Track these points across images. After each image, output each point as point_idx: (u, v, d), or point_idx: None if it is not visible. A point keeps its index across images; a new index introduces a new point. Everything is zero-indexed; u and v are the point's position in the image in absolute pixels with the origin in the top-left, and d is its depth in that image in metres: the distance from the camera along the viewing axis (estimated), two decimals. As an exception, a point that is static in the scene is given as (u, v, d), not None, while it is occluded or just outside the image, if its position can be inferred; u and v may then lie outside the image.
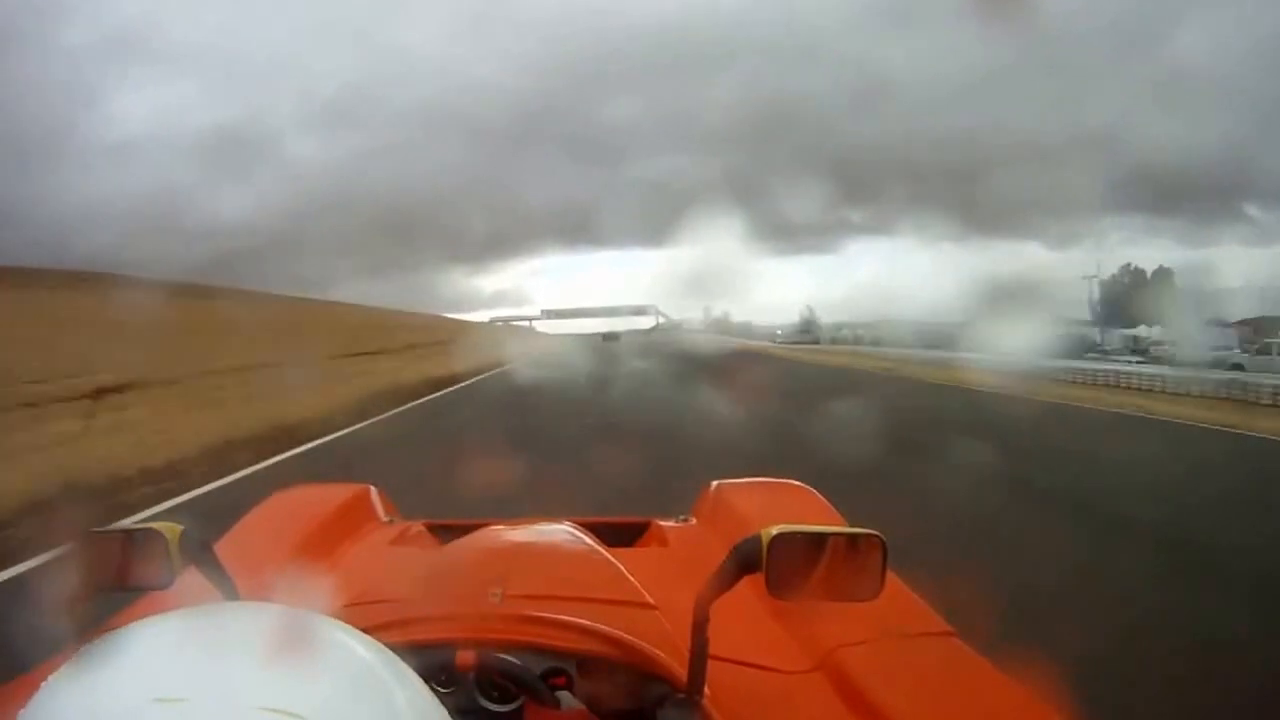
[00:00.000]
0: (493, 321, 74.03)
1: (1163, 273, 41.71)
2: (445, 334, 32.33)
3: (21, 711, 0.38)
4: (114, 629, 0.42)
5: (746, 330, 63.67)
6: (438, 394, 16.12)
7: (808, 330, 58.57)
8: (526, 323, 79.82)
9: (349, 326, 23.02)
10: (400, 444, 8.81)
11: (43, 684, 0.39)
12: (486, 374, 22.52)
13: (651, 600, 0.99)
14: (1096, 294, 37.65)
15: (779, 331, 63.05)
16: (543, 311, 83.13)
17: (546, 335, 66.85)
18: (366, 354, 19.79)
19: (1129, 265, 43.36)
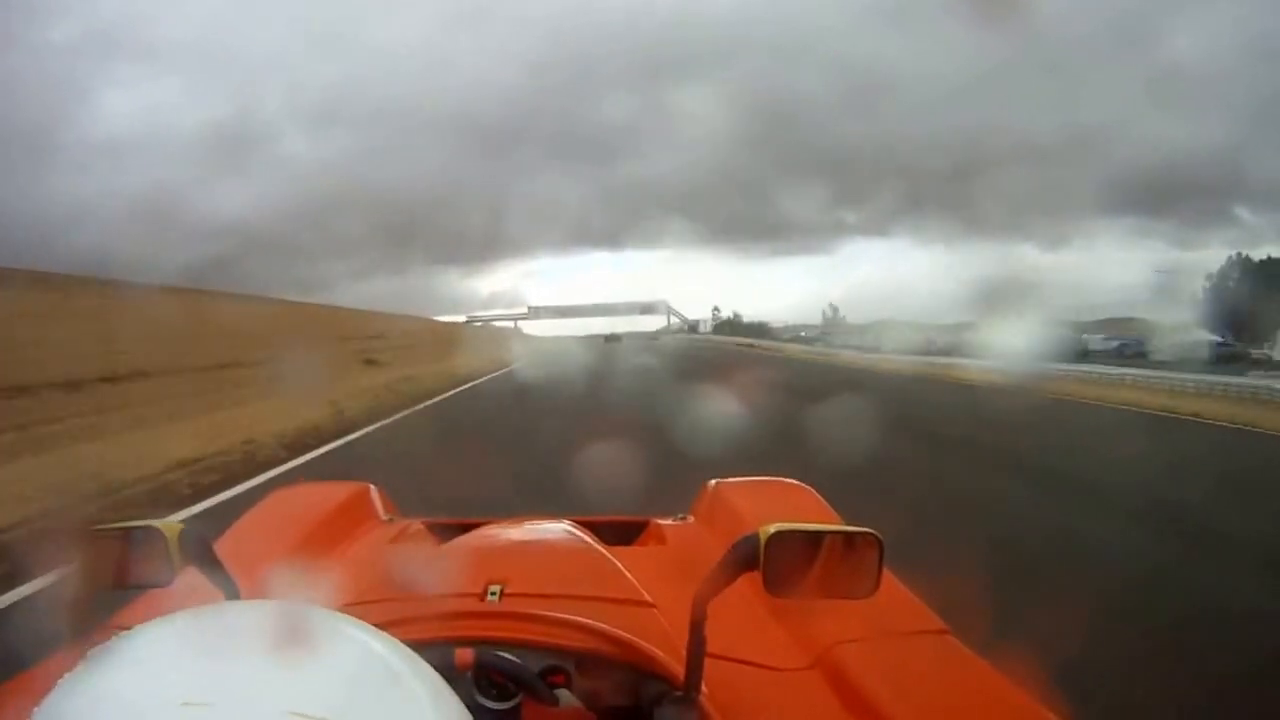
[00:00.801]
0: (470, 321, 63.63)
1: (1275, 264, 34.30)
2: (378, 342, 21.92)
3: (36, 710, 0.38)
4: (120, 628, 0.42)
5: (762, 332, 56.66)
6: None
7: (832, 331, 51.44)
8: (511, 323, 69.12)
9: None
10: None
11: (58, 683, 0.39)
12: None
13: (649, 598, 1.00)
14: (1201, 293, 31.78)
15: (803, 333, 55.70)
16: (529, 309, 72.10)
17: (534, 338, 58.47)
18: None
19: (1239, 255, 36.31)
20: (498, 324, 68.13)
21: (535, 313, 72.60)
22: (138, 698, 0.37)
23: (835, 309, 57.54)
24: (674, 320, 71.38)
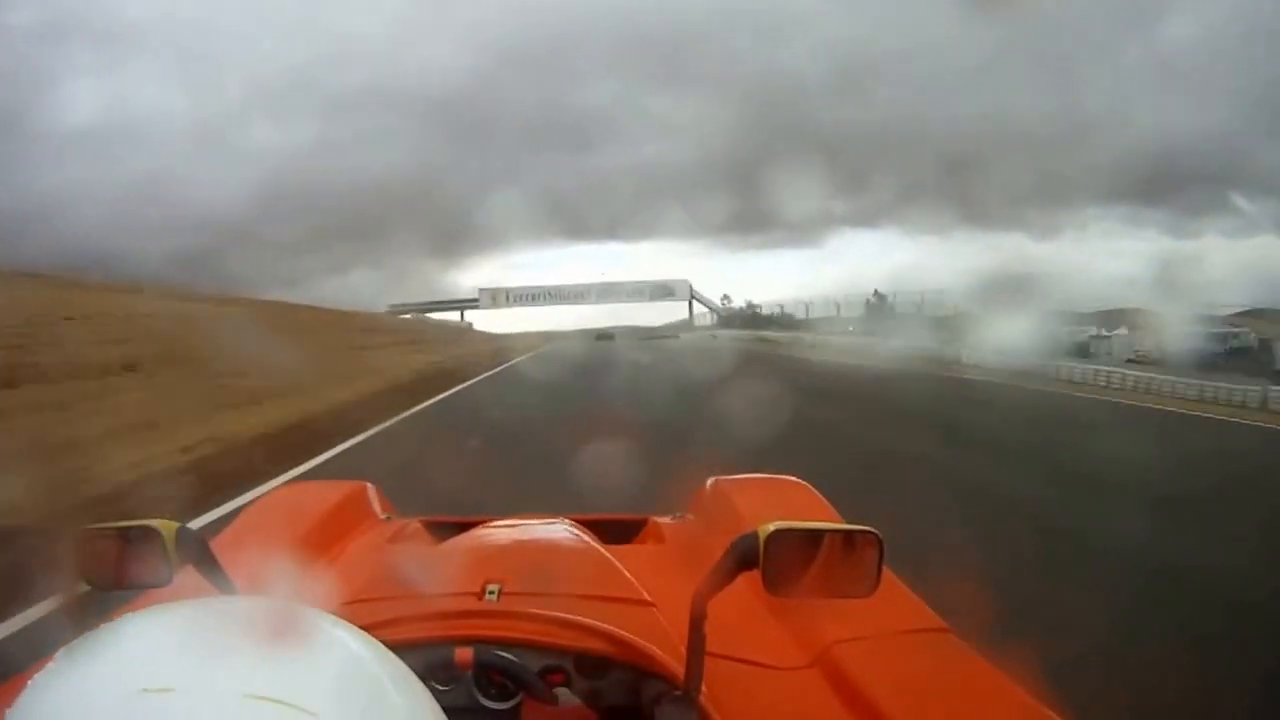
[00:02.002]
0: (393, 312, 43.98)
1: None
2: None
3: (9, 710, 0.38)
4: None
5: (790, 324, 45.58)
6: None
7: (877, 320, 39.73)
8: (457, 313, 48.66)
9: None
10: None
11: (30, 680, 0.39)
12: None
13: (649, 597, 1.00)
14: None
15: (850, 328, 42.53)
16: (481, 293, 49.29)
17: (470, 340, 37.94)
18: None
19: None
20: (435, 316, 47.80)
21: (493, 298, 48.25)
22: (100, 689, 0.37)
23: (882, 297, 44.00)
24: (699, 309, 52.96)
